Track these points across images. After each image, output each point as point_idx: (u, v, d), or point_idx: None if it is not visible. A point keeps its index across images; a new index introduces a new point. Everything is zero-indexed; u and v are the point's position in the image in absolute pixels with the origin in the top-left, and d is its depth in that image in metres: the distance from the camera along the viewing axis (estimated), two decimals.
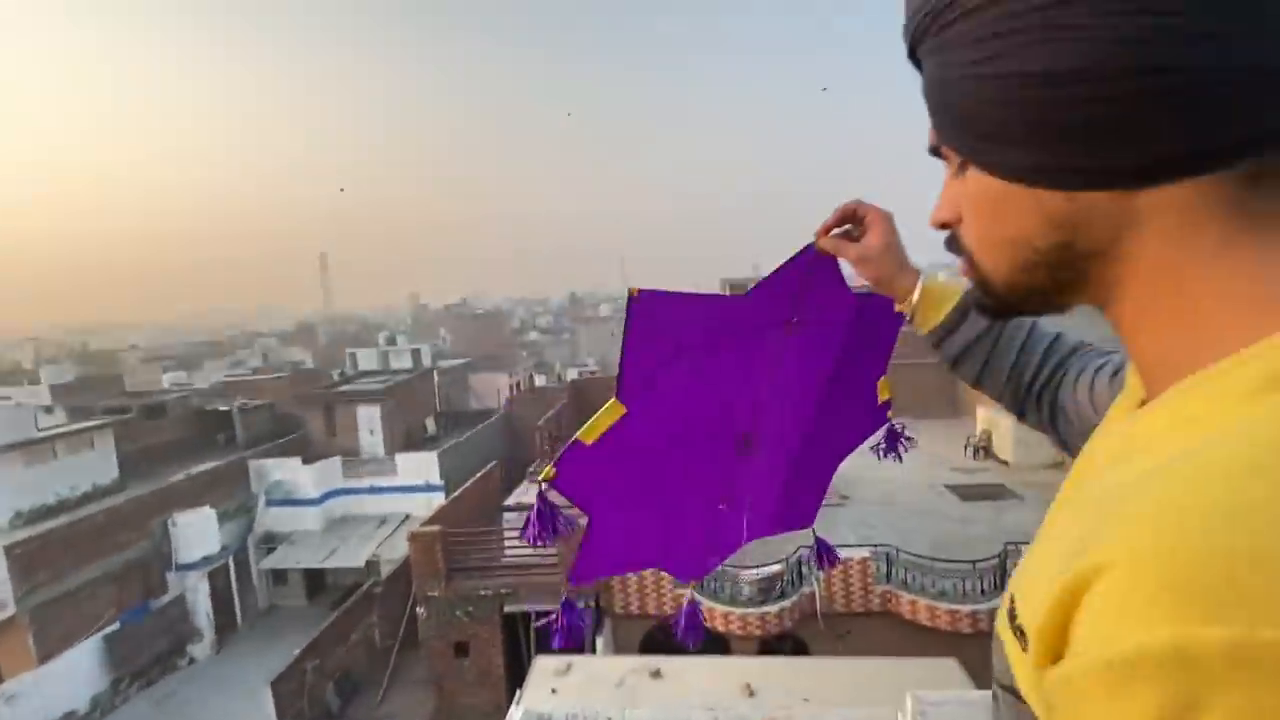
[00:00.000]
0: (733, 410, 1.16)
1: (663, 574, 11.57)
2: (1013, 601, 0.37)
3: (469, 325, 64.65)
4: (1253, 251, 0.35)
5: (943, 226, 0.47)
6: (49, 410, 21.38)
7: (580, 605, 1.29)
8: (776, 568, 11.19)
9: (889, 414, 1.28)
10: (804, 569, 11.11)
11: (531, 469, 16.75)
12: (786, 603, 10.84)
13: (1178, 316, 0.37)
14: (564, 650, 9.05)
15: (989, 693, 0.41)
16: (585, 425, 1.01)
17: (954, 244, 0.47)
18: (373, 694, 14.39)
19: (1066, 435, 0.72)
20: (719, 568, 10.90)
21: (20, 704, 12.93)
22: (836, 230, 0.91)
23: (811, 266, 0.96)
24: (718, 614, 10.87)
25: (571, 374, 34.52)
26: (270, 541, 19.55)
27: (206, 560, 17.46)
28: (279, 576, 19.67)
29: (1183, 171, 0.35)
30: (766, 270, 1.02)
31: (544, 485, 1.01)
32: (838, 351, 1.17)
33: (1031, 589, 0.35)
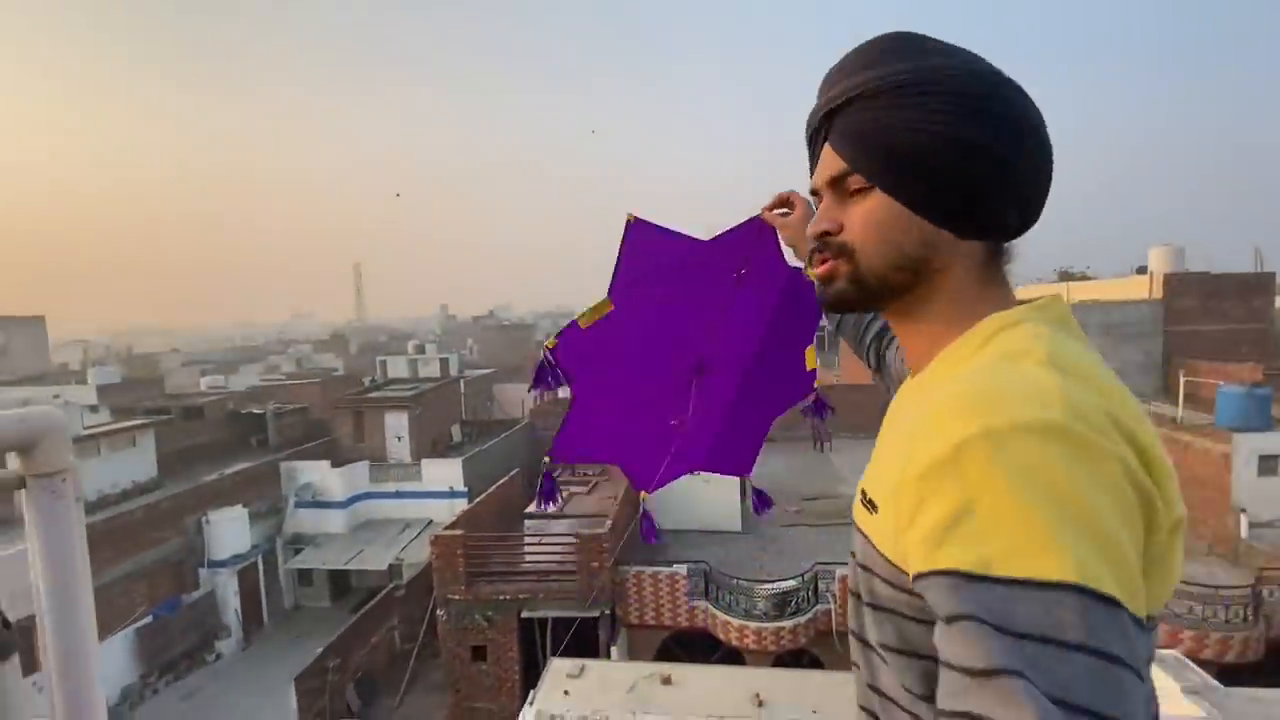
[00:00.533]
0: (692, 335, 1.40)
1: (676, 586, 11.61)
2: (864, 493, 0.62)
3: (495, 337, 65.53)
4: (988, 284, 0.65)
5: (822, 235, 0.67)
6: (94, 409, 22.33)
7: (556, 475, 1.53)
8: (792, 583, 11.18)
9: (814, 382, 1.53)
10: (819, 585, 11.08)
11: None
12: (801, 619, 10.81)
13: (950, 315, 0.64)
14: (577, 655, 9.17)
15: None
16: (583, 311, 1.27)
17: (824, 248, 0.67)
18: (391, 696, 14.63)
19: (888, 380, 1.03)
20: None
21: None
22: (777, 210, 1.21)
23: (759, 234, 1.23)
24: (733, 627, 10.88)
25: None
26: (298, 542, 20.06)
27: (237, 559, 17.99)
28: (304, 577, 20.14)
29: (981, 236, 0.64)
30: None
31: (547, 350, 1.27)
32: (772, 314, 1.42)
33: (878, 481, 0.60)
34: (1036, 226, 0.67)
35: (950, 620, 0.45)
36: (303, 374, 42.35)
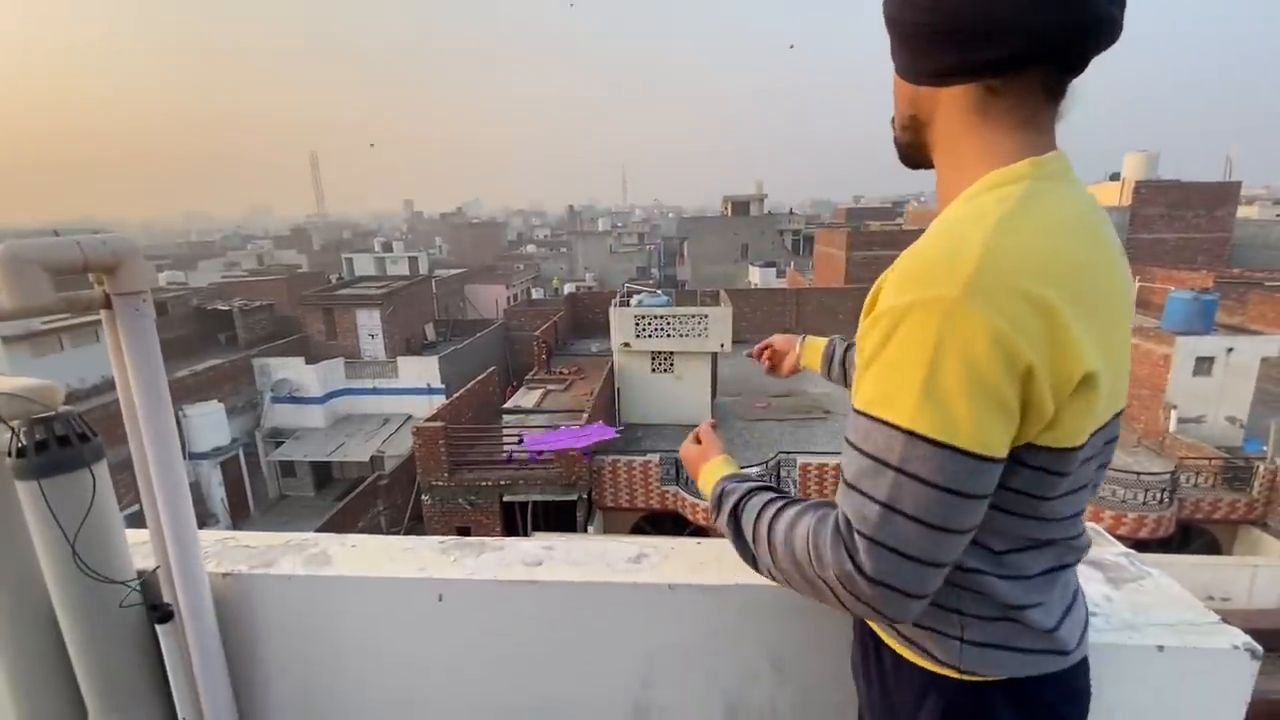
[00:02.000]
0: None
1: (649, 473, 12.31)
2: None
3: (465, 235, 63.65)
4: (986, 130, 0.67)
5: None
6: None
7: (528, 456, 1.91)
8: (757, 469, 11.94)
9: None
10: (782, 472, 11.86)
11: (530, 376, 17.31)
12: None
13: (953, 165, 0.70)
14: (558, 530, 9.85)
15: None
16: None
17: (892, 121, 0.78)
18: None
19: None
20: None
21: None
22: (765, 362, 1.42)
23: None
24: (700, 508, 11.71)
25: (569, 288, 34.58)
26: (278, 436, 20.38)
27: (218, 451, 18.28)
28: (287, 469, 20.65)
29: (950, 79, 0.67)
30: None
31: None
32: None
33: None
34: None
35: (846, 438, 0.68)
36: (266, 271, 41.00)
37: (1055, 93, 0.65)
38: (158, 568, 1.13)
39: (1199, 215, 26.05)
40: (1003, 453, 0.61)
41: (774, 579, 0.79)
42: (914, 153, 0.76)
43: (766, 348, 1.41)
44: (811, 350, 1.32)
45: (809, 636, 1.11)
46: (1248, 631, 0.95)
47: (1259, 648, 0.93)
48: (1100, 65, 0.64)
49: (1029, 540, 0.69)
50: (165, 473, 1.07)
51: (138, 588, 1.12)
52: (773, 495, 0.82)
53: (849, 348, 1.25)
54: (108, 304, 0.96)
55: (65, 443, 1.03)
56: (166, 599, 1.13)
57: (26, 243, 0.84)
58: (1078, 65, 0.62)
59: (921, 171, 0.80)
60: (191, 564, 1.12)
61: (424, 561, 1.20)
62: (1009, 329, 0.57)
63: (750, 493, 0.84)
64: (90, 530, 1.04)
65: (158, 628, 1.13)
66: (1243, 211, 30.56)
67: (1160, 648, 0.94)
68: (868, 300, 0.71)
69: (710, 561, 1.18)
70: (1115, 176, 27.76)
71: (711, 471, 0.94)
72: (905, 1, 0.66)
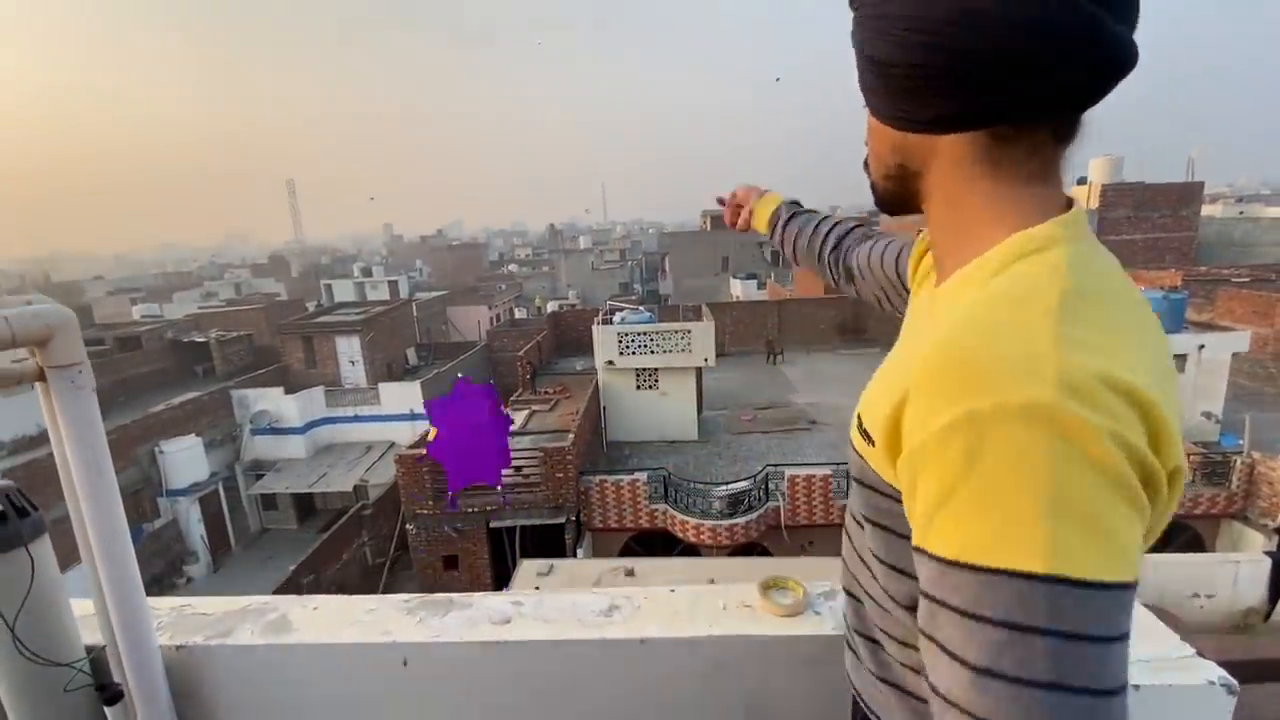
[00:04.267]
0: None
1: (637, 492, 12.23)
2: (860, 418, 0.62)
3: (446, 257, 63.48)
4: (992, 184, 0.56)
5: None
6: None
7: (453, 496, 2.02)
8: (745, 484, 11.92)
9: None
10: (770, 485, 11.84)
11: (514, 397, 17.18)
12: (753, 515, 11.64)
13: (953, 223, 0.60)
14: (545, 555, 9.73)
15: None
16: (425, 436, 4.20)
17: (865, 165, 0.68)
18: None
19: (860, 288, 1.08)
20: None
21: None
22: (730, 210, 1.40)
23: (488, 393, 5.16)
24: (690, 525, 11.64)
25: (552, 306, 34.56)
26: (258, 469, 19.98)
27: (196, 486, 17.88)
28: (269, 501, 20.23)
29: (953, 128, 0.56)
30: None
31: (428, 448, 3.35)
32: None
33: (874, 407, 0.58)
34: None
35: (929, 599, 0.48)
36: (243, 300, 40.48)
37: (1068, 135, 0.56)
38: (104, 645, 1.08)
39: (1165, 216, 26.77)
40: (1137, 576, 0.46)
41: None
42: (899, 202, 0.66)
43: (731, 196, 1.39)
44: (761, 212, 1.30)
45: (786, 685, 1.08)
46: (1222, 664, 0.94)
47: (1234, 683, 0.92)
48: None
49: None
50: (108, 544, 1.02)
51: (85, 668, 1.07)
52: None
53: (793, 215, 1.24)
54: (41, 377, 0.92)
55: (1, 520, 0.99)
56: (116, 678, 1.08)
57: None
58: (1094, 102, 0.54)
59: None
60: (141, 639, 1.07)
61: (388, 624, 1.16)
62: (1130, 426, 0.45)
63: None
64: (31, 610, 0.99)
65: (106, 709, 1.08)
66: (1207, 210, 31.47)
67: (1136, 687, 0.93)
68: (875, 417, 0.57)
69: (684, 611, 1.15)
70: (1082, 181, 28.47)
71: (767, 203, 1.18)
72: (899, 41, 0.54)
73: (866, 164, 0.68)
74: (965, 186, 0.57)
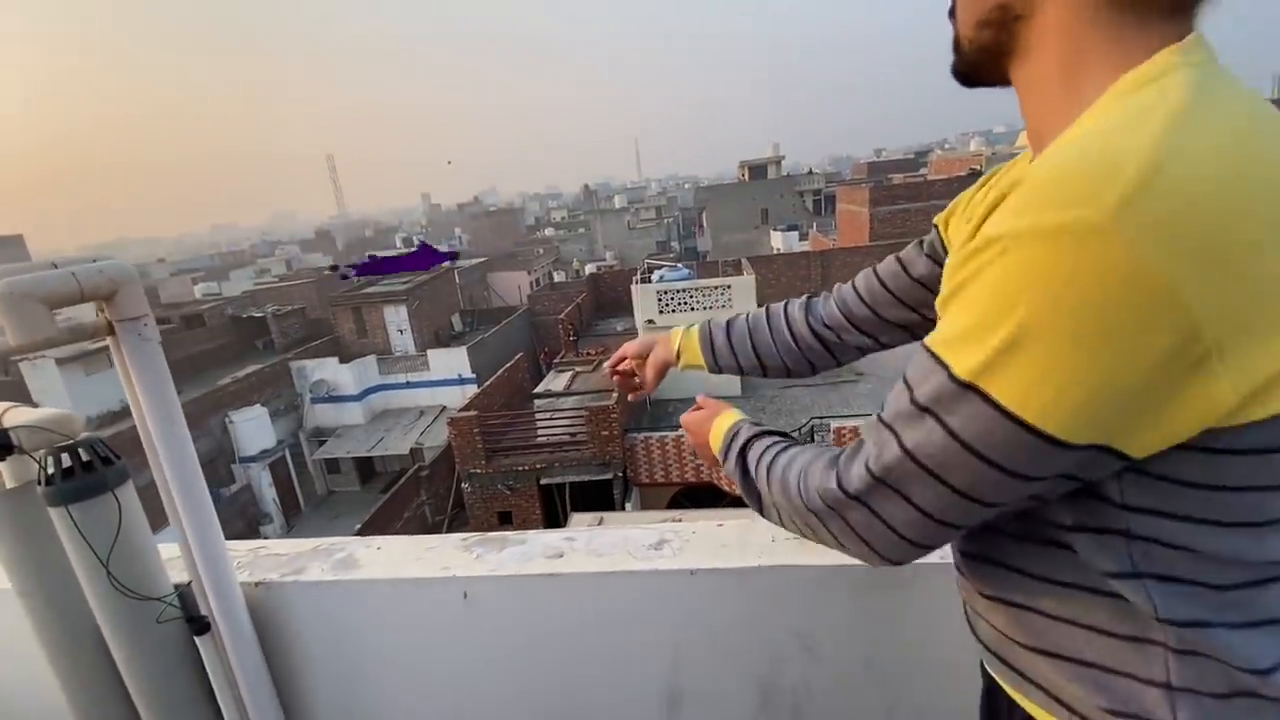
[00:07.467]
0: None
1: (682, 447, 12.34)
2: (937, 228, 0.79)
3: (484, 223, 63.89)
4: (1120, 22, 0.47)
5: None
6: None
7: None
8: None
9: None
10: (815, 437, 11.76)
11: (558, 359, 17.43)
12: None
13: (1063, 73, 0.50)
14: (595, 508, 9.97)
15: None
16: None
17: (951, 13, 0.59)
18: None
19: (846, 337, 1.02)
20: None
21: None
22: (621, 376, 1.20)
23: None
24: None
25: (590, 268, 34.54)
26: (320, 435, 21.01)
27: (265, 453, 18.95)
28: (332, 465, 21.32)
29: None
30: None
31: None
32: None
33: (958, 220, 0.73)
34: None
35: (904, 373, 0.53)
36: (294, 275, 41.94)
37: None
38: (190, 582, 1.16)
39: None
40: (1085, 440, 0.43)
41: (775, 518, 0.69)
42: (987, 61, 0.55)
43: (619, 361, 1.18)
44: (686, 343, 1.09)
45: (838, 616, 1.08)
46: None
47: None
48: None
49: (1271, 564, 0.46)
50: (185, 489, 1.09)
51: (174, 602, 1.16)
52: (785, 438, 0.72)
53: (730, 320, 1.06)
54: (111, 330, 0.97)
55: (89, 468, 1.06)
56: (203, 611, 1.17)
57: (22, 279, 0.84)
58: None
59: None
60: (223, 576, 1.15)
61: (448, 560, 1.21)
62: (1181, 275, 0.38)
63: (763, 434, 0.74)
64: (122, 550, 1.07)
65: (196, 639, 1.17)
66: None
67: None
68: (961, 221, 0.63)
69: (732, 544, 1.16)
70: None
71: (723, 422, 0.82)
72: None
73: (953, 10, 0.58)
74: (1086, 29, 0.48)
